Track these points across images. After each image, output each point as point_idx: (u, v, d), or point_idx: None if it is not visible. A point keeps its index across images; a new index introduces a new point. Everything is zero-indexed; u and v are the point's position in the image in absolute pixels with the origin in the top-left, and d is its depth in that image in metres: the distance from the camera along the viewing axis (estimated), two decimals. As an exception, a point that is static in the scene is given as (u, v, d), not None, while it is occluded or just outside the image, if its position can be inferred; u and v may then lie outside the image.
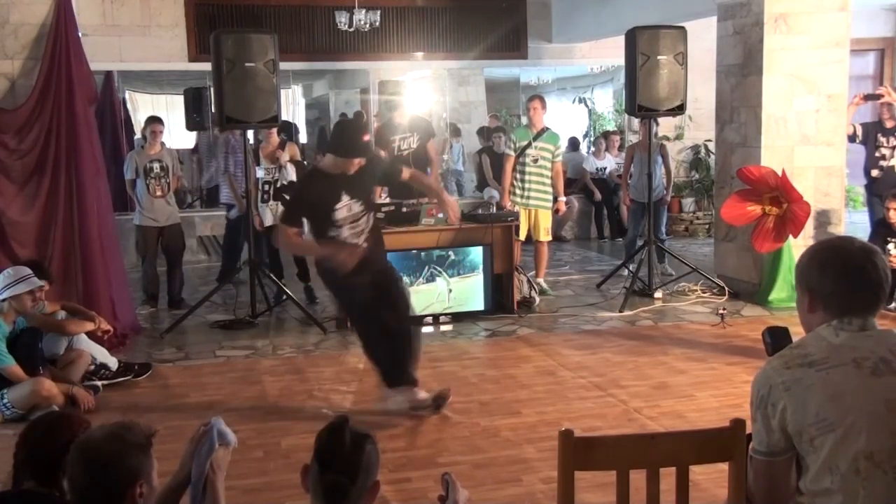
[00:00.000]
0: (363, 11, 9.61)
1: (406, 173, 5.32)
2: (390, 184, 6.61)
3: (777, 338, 2.47)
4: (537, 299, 7.48)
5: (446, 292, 6.98)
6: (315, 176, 5.17)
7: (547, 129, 7.84)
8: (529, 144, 7.71)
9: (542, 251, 7.96)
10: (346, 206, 4.77)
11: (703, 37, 9.08)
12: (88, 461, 2.19)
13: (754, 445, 2.19)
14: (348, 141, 4.84)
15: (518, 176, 7.74)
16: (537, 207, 7.72)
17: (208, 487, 2.51)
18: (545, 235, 7.83)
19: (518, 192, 7.74)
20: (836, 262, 2.20)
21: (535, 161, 7.69)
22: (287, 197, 7.63)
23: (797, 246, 6.96)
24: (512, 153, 7.77)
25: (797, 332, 2.35)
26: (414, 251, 6.87)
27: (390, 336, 4.88)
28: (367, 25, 9.71)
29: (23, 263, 5.48)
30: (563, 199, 8.01)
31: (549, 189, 7.77)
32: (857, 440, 2.06)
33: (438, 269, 6.95)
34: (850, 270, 2.18)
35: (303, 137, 14.52)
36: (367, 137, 4.93)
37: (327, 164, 4.88)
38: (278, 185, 7.61)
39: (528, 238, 7.80)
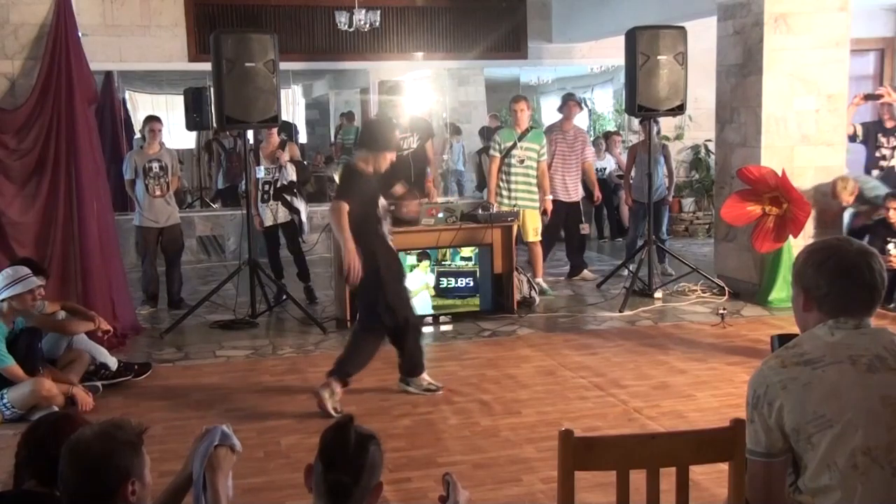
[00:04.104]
0: (363, 11, 9.61)
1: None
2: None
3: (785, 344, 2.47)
4: (537, 299, 7.48)
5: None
6: (356, 175, 5.06)
7: (532, 128, 7.84)
8: (514, 145, 7.70)
9: (534, 251, 7.95)
10: (382, 206, 5.03)
11: (703, 37, 9.06)
12: (78, 460, 2.17)
13: (750, 447, 2.20)
14: (381, 135, 5.05)
15: (504, 177, 7.73)
16: (524, 208, 7.70)
17: (208, 487, 2.51)
18: (534, 235, 7.81)
19: (504, 193, 7.73)
20: (833, 263, 2.20)
21: (522, 162, 7.69)
22: (287, 197, 7.66)
23: (797, 246, 6.96)
24: (497, 154, 7.76)
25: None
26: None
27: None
28: (367, 25, 9.71)
29: (18, 262, 5.47)
30: (549, 197, 7.92)
31: (536, 189, 7.76)
32: (855, 436, 2.07)
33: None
34: (846, 272, 2.18)
35: (302, 137, 14.52)
36: (397, 133, 5.07)
37: (362, 165, 5.02)
38: (278, 185, 7.61)
39: (518, 239, 7.77)
